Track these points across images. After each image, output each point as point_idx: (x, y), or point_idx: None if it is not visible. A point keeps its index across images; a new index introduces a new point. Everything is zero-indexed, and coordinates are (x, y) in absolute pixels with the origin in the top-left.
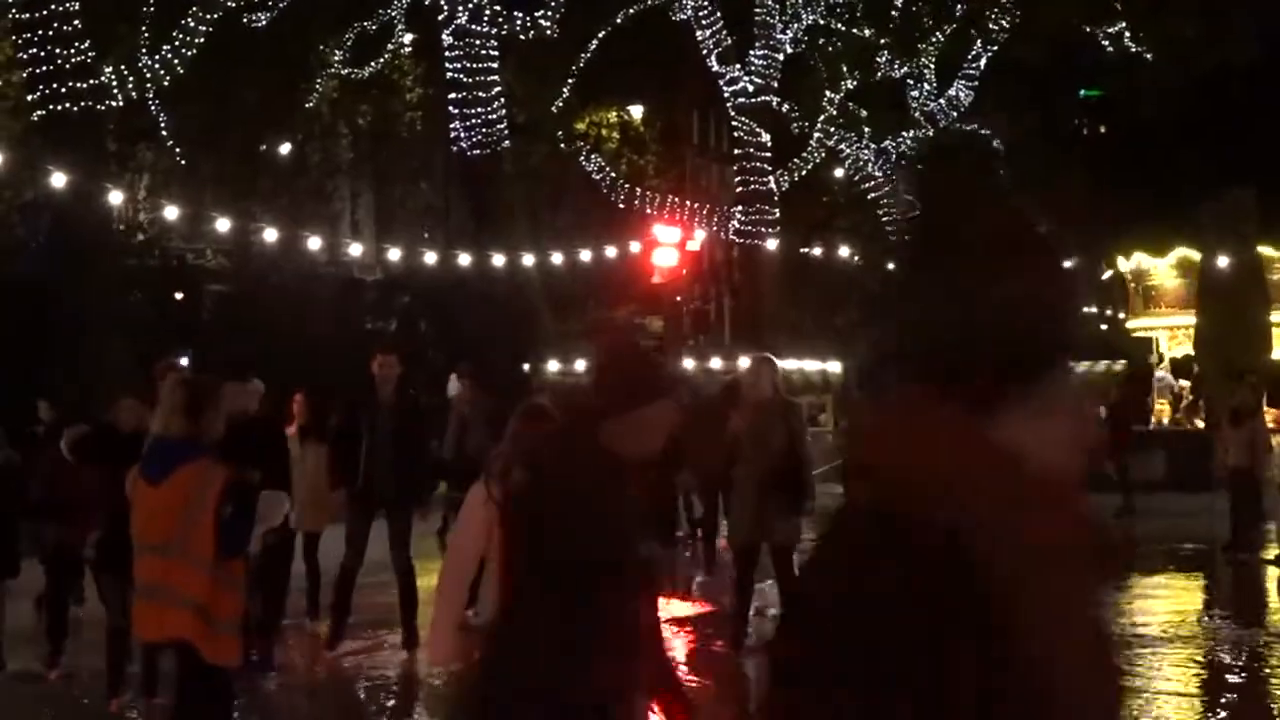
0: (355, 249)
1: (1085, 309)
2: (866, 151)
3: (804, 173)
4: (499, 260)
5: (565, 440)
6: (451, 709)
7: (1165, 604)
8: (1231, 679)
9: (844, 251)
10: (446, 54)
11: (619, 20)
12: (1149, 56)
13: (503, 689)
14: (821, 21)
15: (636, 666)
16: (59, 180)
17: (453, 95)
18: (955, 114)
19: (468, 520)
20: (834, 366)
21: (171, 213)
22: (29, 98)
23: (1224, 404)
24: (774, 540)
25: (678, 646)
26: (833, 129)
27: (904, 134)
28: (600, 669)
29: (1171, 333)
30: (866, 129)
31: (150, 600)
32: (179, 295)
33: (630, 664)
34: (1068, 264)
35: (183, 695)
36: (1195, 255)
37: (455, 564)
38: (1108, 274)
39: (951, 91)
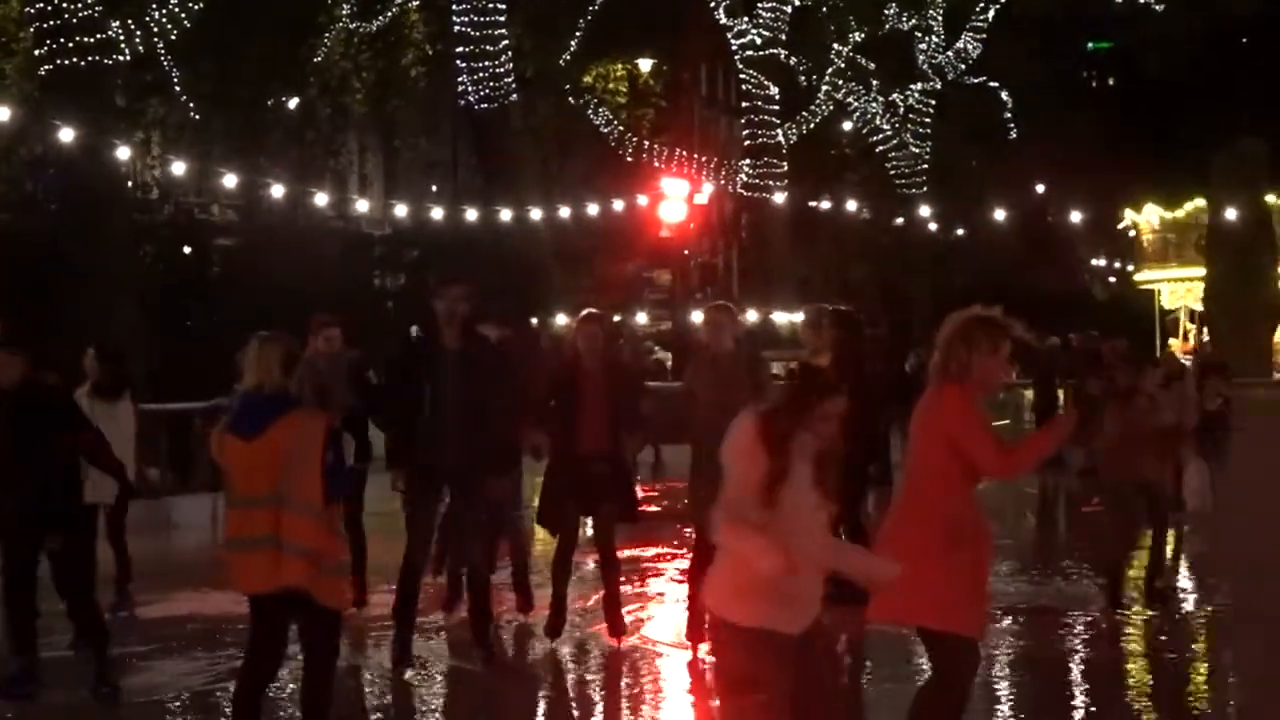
0: (363, 204)
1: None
2: (875, 104)
3: (812, 126)
4: (507, 215)
5: None
6: None
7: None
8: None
9: (852, 205)
10: (454, 7)
11: None
12: (1158, 8)
13: None
14: None
15: None
16: (68, 135)
17: (460, 49)
18: (963, 66)
19: (743, 469)
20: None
21: (180, 168)
22: (36, 52)
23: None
24: None
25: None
26: (840, 82)
27: (912, 87)
28: None
29: (1172, 287)
30: (874, 82)
31: (257, 552)
32: (187, 250)
33: None
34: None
35: (314, 647)
36: (1204, 207)
37: (737, 512)
38: (1120, 225)
39: (959, 44)
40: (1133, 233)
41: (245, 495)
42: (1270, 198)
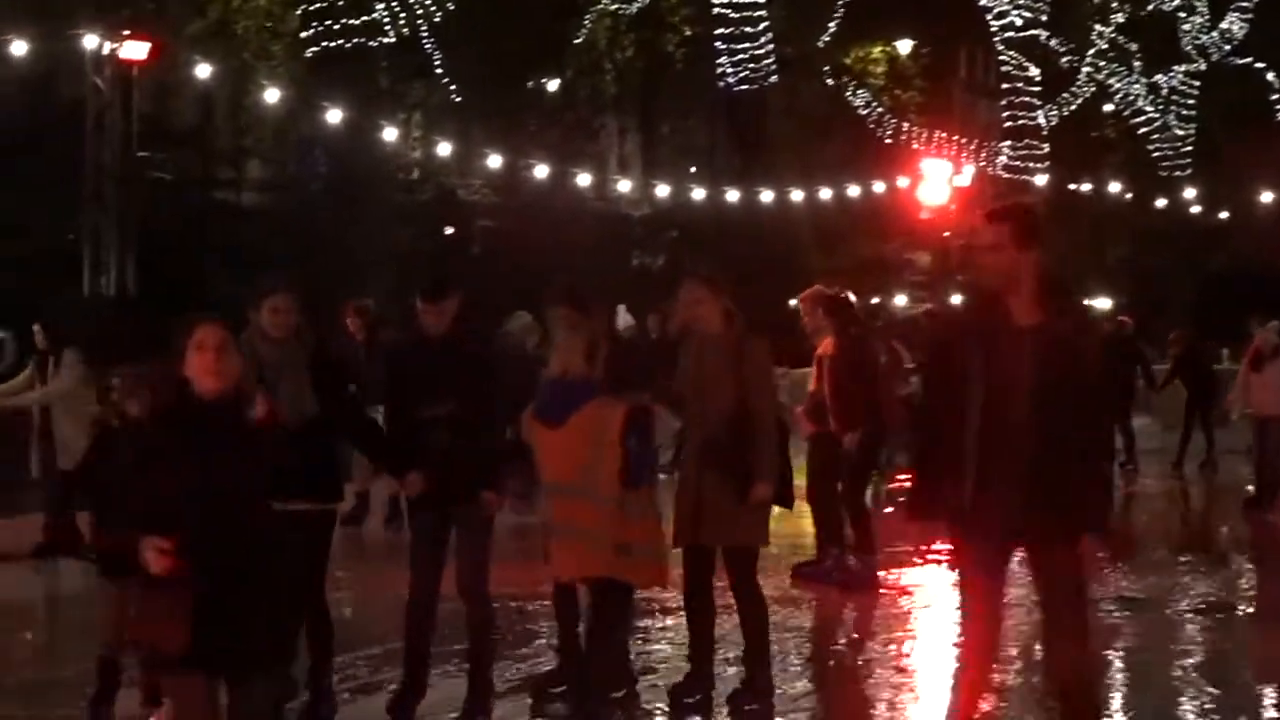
0: (624, 185)
1: None
2: (1137, 86)
3: (1073, 108)
4: (766, 196)
5: None
6: None
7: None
8: None
9: (1113, 187)
10: None
11: None
12: None
13: None
14: None
15: None
16: (334, 117)
17: (720, 31)
18: (1228, 47)
19: None
20: (1102, 303)
21: (444, 149)
22: (302, 34)
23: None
24: (720, 540)
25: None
26: (1102, 63)
27: (1175, 68)
28: None
29: None
30: (1137, 63)
31: (565, 540)
32: (449, 230)
33: None
34: None
35: (597, 621)
36: None
37: None
38: None
39: (1224, 24)
40: None
41: (554, 482)
42: None
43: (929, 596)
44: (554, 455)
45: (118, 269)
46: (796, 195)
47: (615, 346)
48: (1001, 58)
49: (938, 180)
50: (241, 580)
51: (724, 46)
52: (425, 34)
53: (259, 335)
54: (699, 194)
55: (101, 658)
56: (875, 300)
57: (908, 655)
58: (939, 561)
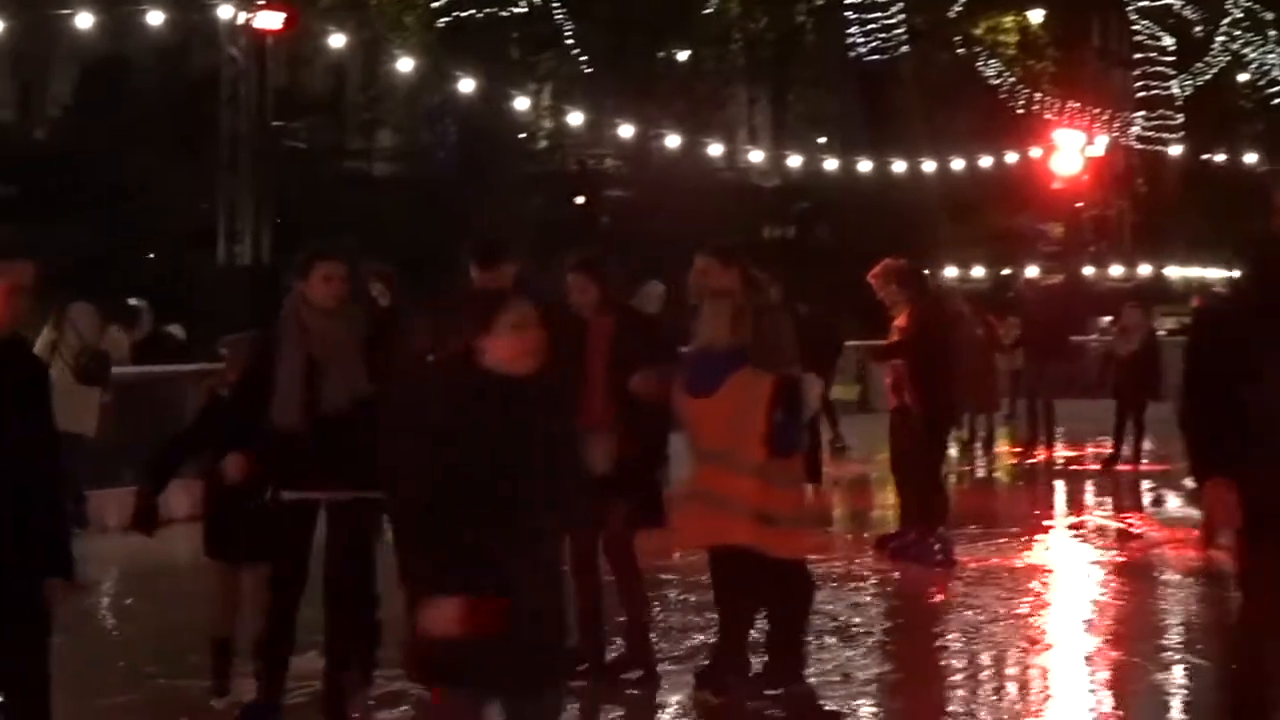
0: (755, 155)
1: None
2: (1273, 56)
3: (1207, 77)
4: (898, 167)
5: None
6: None
7: None
8: None
9: (1249, 158)
10: None
11: None
12: None
13: None
14: None
15: None
16: (466, 86)
17: (850, 1)
18: None
19: None
20: (1237, 275)
21: (575, 119)
22: (434, 4)
23: None
24: None
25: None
26: (1237, 32)
27: None
28: None
29: None
30: (1272, 32)
31: (704, 506)
32: (580, 200)
33: None
34: None
35: (730, 596)
36: None
37: None
38: None
39: None
40: None
41: (702, 449)
42: None
43: (1011, 577)
44: (703, 423)
45: (252, 238)
46: (928, 166)
47: None
48: (1134, 27)
49: (1070, 150)
50: (537, 589)
51: (855, 17)
52: (556, 4)
53: (306, 306)
54: (830, 164)
55: (213, 639)
56: (1007, 271)
57: (969, 636)
58: (1027, 540)
